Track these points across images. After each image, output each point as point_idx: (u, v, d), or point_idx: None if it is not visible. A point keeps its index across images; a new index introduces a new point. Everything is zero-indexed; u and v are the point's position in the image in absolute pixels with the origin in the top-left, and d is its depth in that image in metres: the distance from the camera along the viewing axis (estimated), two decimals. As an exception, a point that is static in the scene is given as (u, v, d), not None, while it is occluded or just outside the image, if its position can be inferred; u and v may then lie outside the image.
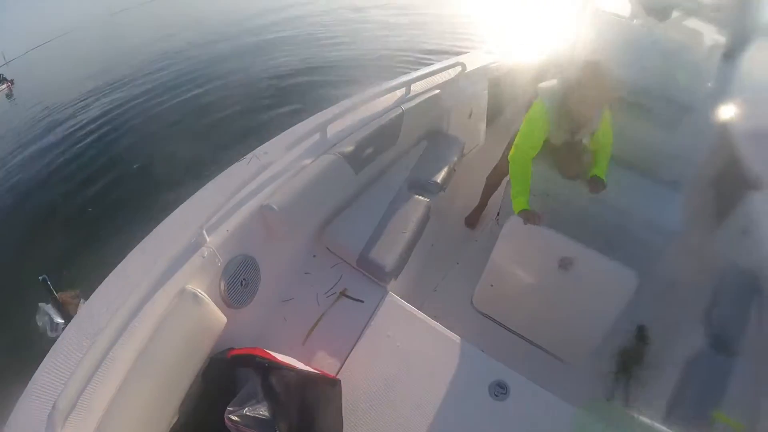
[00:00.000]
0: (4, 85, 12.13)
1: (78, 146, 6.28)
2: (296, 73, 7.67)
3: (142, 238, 1.42)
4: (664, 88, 2.06)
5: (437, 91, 2.23)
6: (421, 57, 7.93)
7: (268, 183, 1.59)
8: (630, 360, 1.97)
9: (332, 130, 1.84)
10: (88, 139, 6.44)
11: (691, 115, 1.97)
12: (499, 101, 3.02)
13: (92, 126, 6.82)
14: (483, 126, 2.75)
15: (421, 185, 2.02)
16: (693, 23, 2.48)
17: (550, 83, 1.74)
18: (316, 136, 1.79)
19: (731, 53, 1.90)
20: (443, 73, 2.34)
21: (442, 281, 2.22)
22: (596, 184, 1.83)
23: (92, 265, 3.68)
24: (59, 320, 1.97)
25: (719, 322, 1.73)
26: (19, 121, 8.24)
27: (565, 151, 1.91)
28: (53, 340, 1.94)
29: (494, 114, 2.96)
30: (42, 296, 2.02)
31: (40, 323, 1.99)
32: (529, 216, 1.71)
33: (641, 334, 2.04)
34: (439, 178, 2.05)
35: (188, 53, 9.63)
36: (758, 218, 2.12)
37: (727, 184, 2.76)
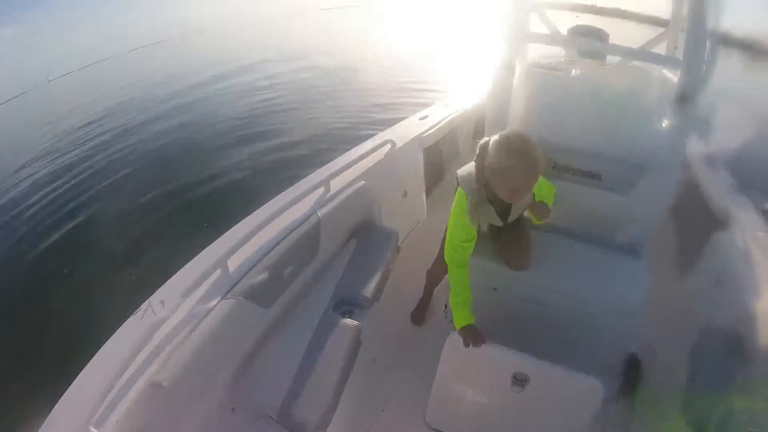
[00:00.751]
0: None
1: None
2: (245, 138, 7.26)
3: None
4: (614, 147, 1.84)
5: (362, 183, 1.97)
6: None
7: (163, 346, 1.31)
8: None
9: (235, 262, 1.55)
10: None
11: (648, 173, 1.75)
12: (439, 167, 2.82)
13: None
14: (423, 198, 2.51)
15: (349, 302, 1.74)
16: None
17: (468, 168, 1.51)
18: (218, 273, 1.50)
19: (686, 95, 1.61)
20: (370, 156, 2.10)
21: (389, 401, 1.91)
22: (541, 207, 1.50)
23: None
24: None
25: (700, 393, 1.51)
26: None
27: (506, 239, 1.69)
28: None
29: (435, 181, 2.75)
30: None
31: None
32: (469, 335, 1.48)
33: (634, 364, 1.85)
34: (371, 288, 1.77)
35: (125, 122, 9.25)
36: (730, 262, 1.94)
37: (691, 228, 2.61)
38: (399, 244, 2.02)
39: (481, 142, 1.44)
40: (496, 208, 1.51)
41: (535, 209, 1.50)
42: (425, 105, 3.09)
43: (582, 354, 1.87)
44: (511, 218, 1.58)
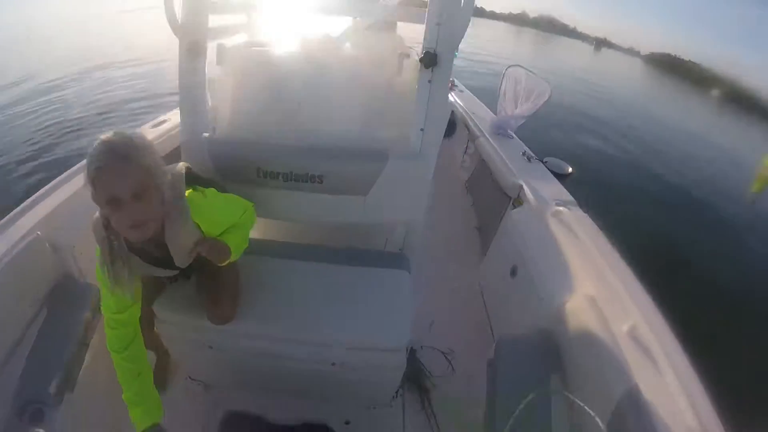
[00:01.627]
0: None
1: None
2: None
3: None
4: (342, 137, 1.45)
5: (36, 234, 1.32)
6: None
7: None
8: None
9: None
10: None
11: (390, 163, 1.35)
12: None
13: None
14: None
15: (35, 400, 1.18)
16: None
17: (95, 216, 0.99)
18: None
19: (433, 54, 1.23)
20: (59, 191, 1.48)
21: None
22: (211, 246, 1.06)
23: None
24: None
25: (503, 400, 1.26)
26: None
27: (207, 286, 1.26)
28: None
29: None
30: None
31: None
32: None
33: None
34: (58, 375, 1.23)
35: None
36: (524, 247, 1.71)
37: (487, 210, 2.35)
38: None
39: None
40: (147, 257, 1.06)
41: (205, 249, 1.05)
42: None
43: (351, 400, 1.55)
44: (183, 263, 1.10)
